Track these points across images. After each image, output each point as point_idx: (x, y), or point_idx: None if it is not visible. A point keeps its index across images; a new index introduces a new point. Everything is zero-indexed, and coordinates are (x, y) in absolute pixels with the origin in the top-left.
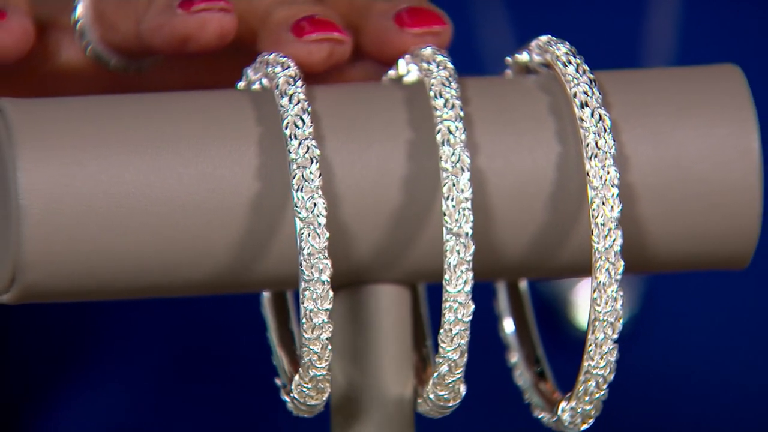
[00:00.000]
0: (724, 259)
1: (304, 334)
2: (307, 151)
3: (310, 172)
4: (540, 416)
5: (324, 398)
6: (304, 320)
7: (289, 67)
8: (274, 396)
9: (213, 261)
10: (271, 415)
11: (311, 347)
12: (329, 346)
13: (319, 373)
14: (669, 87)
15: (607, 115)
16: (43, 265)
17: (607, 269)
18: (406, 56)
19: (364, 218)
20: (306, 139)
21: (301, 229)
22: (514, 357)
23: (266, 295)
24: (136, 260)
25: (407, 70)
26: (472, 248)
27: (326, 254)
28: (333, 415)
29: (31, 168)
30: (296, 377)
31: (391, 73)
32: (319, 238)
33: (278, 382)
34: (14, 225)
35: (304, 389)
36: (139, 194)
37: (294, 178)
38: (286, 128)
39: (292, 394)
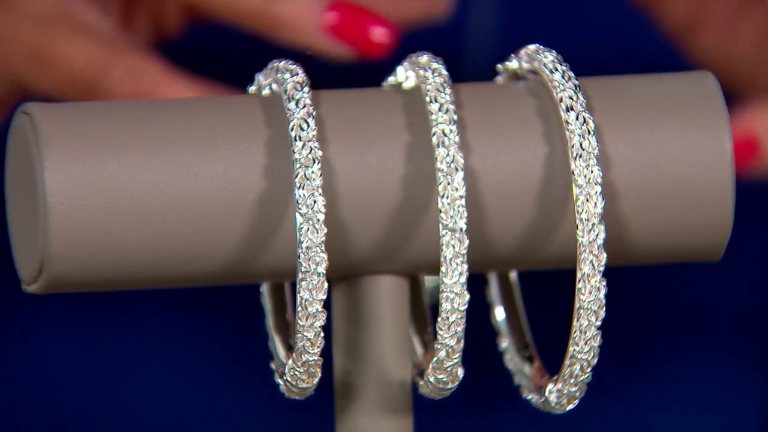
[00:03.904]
0: (698, 252)
1: (298, 321)
2: (309, 152)
3: (312, 172)
4: (529, 397)
5: (314, 382)
6: (299, 309)
7: (297, 74)
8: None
9: (224, 253)
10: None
11: (305, 334)
12: (321, 334)
13: (311, 359)
14: (648, 92)
15: (591, 118)
16: (67, 258)
17: (591, 261)
18: (405, 63)
19: (364, 215)
20: (309, 140)
21: (300, 224)
22: (504, 342)
23: (265, 285)
24: (153, 253)
25: (406, 76)
26: (467, 242)
27: (323, 248)
28: (336, 399)
29: (56, 167)
30: (289, 362)
31: (391, 79)
32: (318, 233)
33: (272, 366)
34: (41, 220)
35: (297, 373)
36: (156, 191)
37: (297, 176)
38: (292, 130)
39: (285, 377)
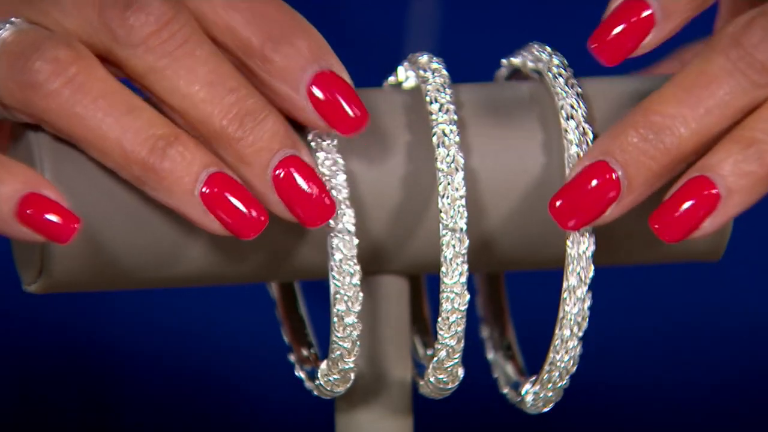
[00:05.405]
0: (698, 252)
1: (336, 332)
2: (334, 164)
3: (339, 184)
4: (505, 392)
5: (349, 385)
6: (335, 319)
7: None
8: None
9: (225, 253)
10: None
11: (342, 344)
12: (358, 343)
13: (347, 366)
14: (647, 94)
15: (591, 128)
16: (68, 258)
17: (578, 273)
18: (405, 63)
19: (366, 215)
20: (331, 152)
21: (331, 238)
22: (486, 331)
23: (274, 286)
24: (153, 253)
25: (406, 76)
26: (467, 242)
27: (356, 261)
28: (336, 399)
29: (56, 168)
30: (324, 367)
31: (391, 79)
32: (349, 244)
33: (291, 358)
34: None
35: (332, 379)
36: None
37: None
38: (312, 142)
39: (318, 382)
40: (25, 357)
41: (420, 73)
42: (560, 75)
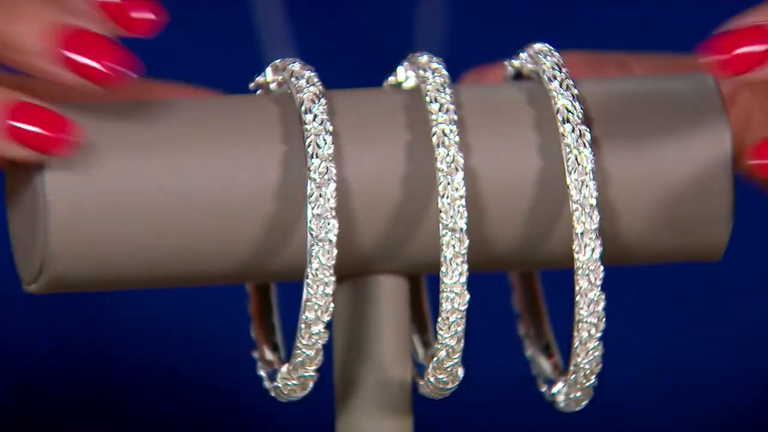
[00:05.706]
0: (698, 252)
1: (301, 339)
2: (326, 172)
3: (328, 193)
4: (542, 390)
5: (307, 392)
6: (302, 326)
7: (314, 84)
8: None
9: (225, 254)
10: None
11: (306, 351)
12: (322, 352)
13: (307, 374)
14: (647, 97)
15: (588, 130)
16: (68, 258)
17: (588, 276)
18: (405, 63)
19: (364, 214)
20: (325, 159)
21: (311, 245)
22: (522, 329)
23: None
24: (153, 253)
25: (406, 76)
26: (467, 242)
27: (332, 271)
28: (336, 398)
29: (57, 166)
30: (284, 370)
31: (391, 79)
32: (328, 254)
33: (255, 355)
34: (41, 221)
35: (290, 384)
36: (157, 192)
37: (311, 196)
38: (309, 146)
39: (275, 384)
40: (24, 357)
41: (420, 73)
42: (554, 77)
